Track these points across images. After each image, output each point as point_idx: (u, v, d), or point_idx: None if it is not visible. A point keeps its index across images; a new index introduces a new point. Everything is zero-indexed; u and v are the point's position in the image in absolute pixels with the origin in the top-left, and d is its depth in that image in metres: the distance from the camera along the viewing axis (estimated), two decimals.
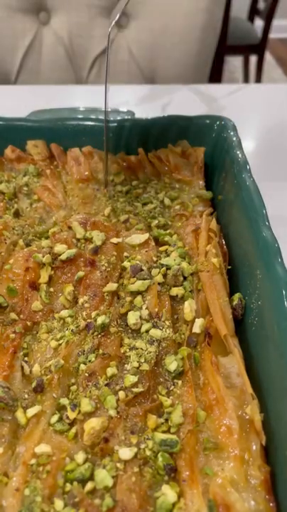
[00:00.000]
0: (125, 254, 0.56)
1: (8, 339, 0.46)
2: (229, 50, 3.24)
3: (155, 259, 0.55)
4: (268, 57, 4.32)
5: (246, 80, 3.93)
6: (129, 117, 0.80)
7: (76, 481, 0.35)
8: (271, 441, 0.38)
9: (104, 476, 0.35)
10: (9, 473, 0.36)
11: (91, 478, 0.36)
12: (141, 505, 0.34)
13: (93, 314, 0.48)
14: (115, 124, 0.73)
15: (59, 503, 0.34)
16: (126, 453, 0.37)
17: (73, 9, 1.63)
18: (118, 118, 0.75)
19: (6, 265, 0.53)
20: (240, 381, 0.42)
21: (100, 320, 0.46)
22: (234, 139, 0.63)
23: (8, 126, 0.74)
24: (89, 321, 0.47)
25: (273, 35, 3.75)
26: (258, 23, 3.56)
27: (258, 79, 3.95)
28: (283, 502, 0.35)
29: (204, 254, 0.53)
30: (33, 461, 0.37)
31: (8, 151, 0.72)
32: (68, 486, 0.35)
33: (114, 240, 0.56)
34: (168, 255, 0.55)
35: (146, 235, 0.57)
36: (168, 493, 0.34)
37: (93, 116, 0.74)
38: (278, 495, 0.35)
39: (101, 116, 0.78)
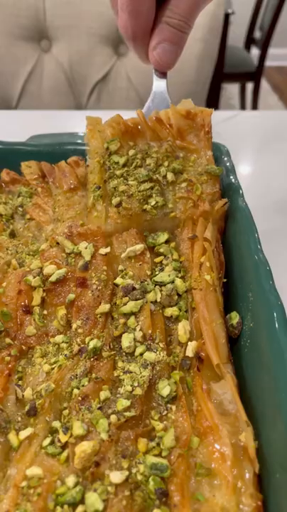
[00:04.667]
0: (119, 267, 0.56)
1: (3, 362, 0.46)
2: (226, 78, 3.32)
3: (149, 273, 0.55)
4: (264, 84, 4.42)
5: (242, 106, 4.01)
6: None
7: (66, 505, 0.35)
8: (263, 468, 0.38)
9: (94, 500, 0.35)
10: (0, 495, 0.36)
11: (82, 501, 0.35)
12: None
13: (87, 339, 0.48)
14: None
15: None
16: (117, 476, 0.36)
17: (74, 38, 1.67)
18: None
19: (0, 288, 0.54)
20: (234, 407, 0.42)
21: (92, 344, 0.47)
22: (228, 164, 0.65)
23: (8, 151, 0.75)
24: (82, 345, 0.47)
25: (268, 63, 3.84)
26: (255, 51, 3.65)
27: (255, 105, 4.03)
28: None
29: (198, 268, 0.53)
30: (24, 483, 0.36)
31: (3, 174, 0.73)
32: (59, 509, 0.35)
33: (103, 251, 0.56)
34: (163, 269, 0.55)
35: (141, 246, 0.56)
36: None
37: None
38: None
39: None
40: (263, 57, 3.27)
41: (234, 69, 3.33)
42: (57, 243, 0.58)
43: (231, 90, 4.33)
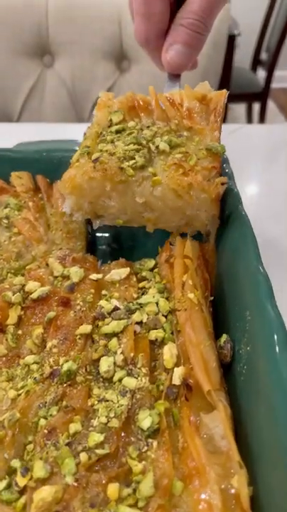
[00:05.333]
0: (103, 292, 0.51)
1: None
2: (232, 98, 3.31)
3: (135, 296, 0.50)
4: (271, 104, 4.42)
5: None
6: None
7: None
8: None
9: None
10: None
11: None
12: None
13: (61, 361, 0.42)
14: None
15: None
16: None
17: (76, 53, 1.65)
18: None
19: None
20: (225, 444, 0.35)
21: (66, 367, 0.41)
22: (227, 170, 0.60)
23: None
24: (55, 367, 0.41)
25: (275, 84, 3.84)
26: (261, 73, 3.66)
27: (261, 123, 4.01)
28: None
29: (180, 288, 0.47)
30: None
31: None
32: None
33: (93, 277, 0.51)
34: (146, 293, 0.50)
35: (127, 270, 0.53)
36: None
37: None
38: None
39: None
40: (269, 78, 3.27)
41: (240, 90, 3.33)
42: (47, 265, 0.54)
43: (237, 110, 4.33)
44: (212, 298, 0.50)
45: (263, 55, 3.62)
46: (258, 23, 3.51)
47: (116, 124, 0.57)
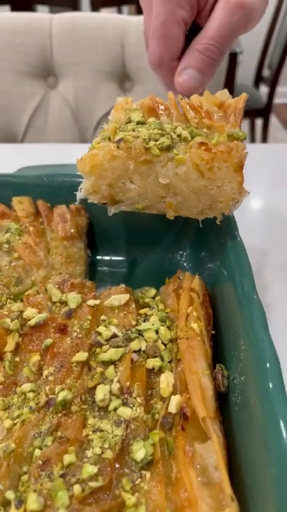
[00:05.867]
0: (102, 317, 0.51)
1: None
2: None
3: (134, 323, 0.50)
4: (274, 120, 4.45)
5: (252, 141, 4.02)
6: None
7: None
8: None
9: None
10: None
11: None
12: None
13: (57, 389, 0.43)
14: None
15: None
16: None
17: (80, 74, 1.68)
18: None
19: None
20: (218, 476, 0.36)
21: (61, 396, 0.41)
22: None
23: None
24: (50, 396, 0.42)
25: (277, 100, 3.87)
26: (263, 89, 3.69)
27: (265, 140, 4.03)
28: None
29: (184, 318, 0.48)
30: None
31: None
32: None
33: (91, 303, 0.52)
34: (147, 320, 0.50)
35: (127, 296, 0.53)
36: None
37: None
38: None
39: None
40: (272, 94, 3.30)
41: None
42: (46, 290, 0.55)
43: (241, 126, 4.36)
44: (213, 332, 0.50)
45: (266, 72, 3.66)
46: (260, 40, 3.56)
47: (135, 122, 0.55)
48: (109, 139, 0.51)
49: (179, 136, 0.51)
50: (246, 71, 3.77)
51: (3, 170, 0.75)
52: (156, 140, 0.49)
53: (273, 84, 3.33)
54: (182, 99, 0.57)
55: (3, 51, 1.65)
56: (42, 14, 1.69)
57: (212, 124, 0.53)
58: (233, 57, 2.39)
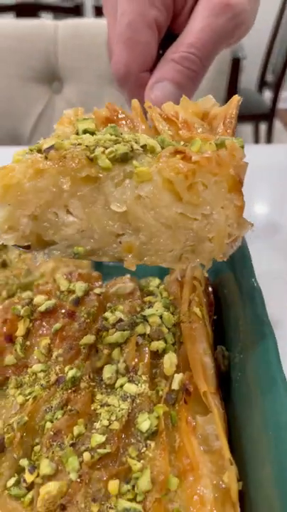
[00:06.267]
0: (108, 304, 0.54)
1: None
2: (239, 119, 3.36)
3: (138, 309, 0.53)
4: (278, 124, 4.46)
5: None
6: None
7: None
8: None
9: None
10: None
11: None
12: None
13: (66, 368, 0.45)
14: None
15: None
16: None
17: (84, 79, 1.72)
18: None
19: None
20: (219, 444, 0.38)
21: (71, 373, 0.43)
22: None
23: None
24: (60, 375, 0.44)
25: (281, 104, 3.89)
26: (267, 94, 3.72)
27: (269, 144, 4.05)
28: None
29: (187, 304, 0.51)
30: None
31: None
32: None
33: (97, 291, 0.55)
34: (151, 306, 0.53)
35: (132, 285, 0.55)
36: None
37: None
38: None
39: None
40: (275, 99, 3.33)
41: (246, 111, 3.38)
42: (54, 280, 0.57)
43: (244, 130, 4.39)
44: (215, 317, 0.53)
45: (269, 77, 3.69)
46: (263, 45, 3.59)
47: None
48: (39, 151, 0.36)
49: (143, 147, 0.36)
50: (249, 76, 3.80)
51: None
52: (107, 147, 0.35)
53: (276, 88, 3.35)
54: (151, 108, 0.42)
55: (8, 57, 1.69)
56: (47, 21, 1.73)
57: (192, 137, 0.38)
58: (236, 63, 2.42)
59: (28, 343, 0.50)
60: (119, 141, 0.35)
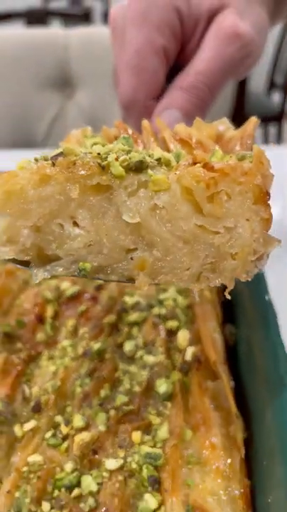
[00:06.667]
0: (127, 289, 0.60)
1: (13, 364, 0.49)
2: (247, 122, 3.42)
3: (154, 293, 0.58)
4: None
5: None
6: None
7: (64, 488, 0.37)
8: (252, 458, 0.40)
9: (89, 482, 0.37)
10: (3, 479, 0.39)
11: (78, 485, 0.38)
12: (122, 509, 0.35)
13: (91, 343, 0.51)
14: None
15: (46, 506, 0.36)
16: (112, 464, 0.39)
17: (96, 84, 1.78)
18: None
19: (17, 300, 0.58)
20: (227, 404, 0.44)
21: (96, 347, 0.50)
22: None
23: None
24: (87, 348, 0.51)
25: None
26: (276, 96, 3.76)
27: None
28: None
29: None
30: (25, 468, 0.39)
31: None
32: (56, 492, 0.37)
33: None
34: (166, 290, 0.58)
35: None
36: (149, 500, 0.36)
37: None
38: (257, 507, 0.36)
39: None
40: (284, 101, 3.36)
41: (255, 113, 3.40)
42: None
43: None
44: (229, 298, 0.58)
45: (278, 79, 3.72)
46: (271, 47, 3.62)
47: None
48: (46, 160, 0.33)
49: (158, 160, 0.33)
50: (257, 78, 3.84)
51: None
52: (120, 156, 0.32)
53: (285, 90, 3.39)
54: (165, 130, 0.41)
55: (22, 65, 1.76)
56: (59, 30, 1.80)
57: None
58: None
59: (56, 323, 0.56)
60: (130, 151, 0.33)
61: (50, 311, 0.57)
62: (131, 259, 0.32)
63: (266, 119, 3.80)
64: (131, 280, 0.33)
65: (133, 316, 0.54)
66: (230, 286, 0.32)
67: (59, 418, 0.44)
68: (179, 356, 0.50)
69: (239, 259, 0.31)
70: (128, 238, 0.32)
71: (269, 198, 0.31)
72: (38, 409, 0.45)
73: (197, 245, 0.31)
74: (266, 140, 4.18)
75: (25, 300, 0.59)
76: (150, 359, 0.49)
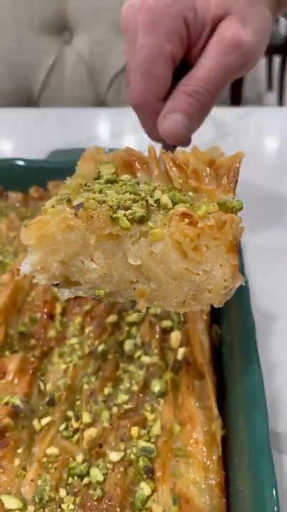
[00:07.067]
0: None
1: (29, 362, 0.57)
2: None
3: None
4: None
5: (269, 79, 3.95)
6: None
7: (76, 476, 0.47)
8: (229, 452, 0.49)
9: (97, 473, 0.46)
10: (26, 467, 0.48)
11: (88, 474, 0.47)
12: (123, 496, 0.45)
13: (96, 342, 0.59)
14: None
15: (63, 492, 0.46)
16: (115, 456, 0.48)
17: (95, 29, 1.73)
18: None
19: (29, 297, 0.66)
20: (209, 402, 0.52)
21: (100, 348, 0.58)
22: None
23: (31, 167, 0.86)
24: (92, 348, 0.59)
25: None
26: (283, 22, 3.58)
27: (282, 79, 3.96)
28: (232, 499, 0.45)
29: None
30: (45, 459, 0.48)
31: (33, 191, 0.84)
32: (70, 480, 0.47)
33: None
34: None
35: None
36: (144, 488, 0.45)
37: None
38: (230, 494, 0.46)
39: None
40: None
41: None
42: None
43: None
44: None
45: None
46: None
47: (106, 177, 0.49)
48: (69, 201, 0.43)
49: (157, 201, 0.43)
50: None
51: (24, 137, 0.88)
52: (127, 208, 0.41)
53: None
54: (165, 154, 0.49)
55: (17, 7, 1.69)
56: None
57: (199, 187, 0.47)
58: None
59: (64, 319, 0.64)
60: (137, 200, 0.42)
61: (58, 308, 0.65)
62: (134, 288, 0.43)
63: (271, 50, 3.65)
64: (134, 302, 0.44)
65: (133, 316, 0.62)
66: (206, 311, 0.44)
67: (70, 413, 0.53)
68: (171, 355, 0.58)
69: (214, 292, 0.41)
70: (132, 274, 0.42)
71: (238, 248, 0.42)
72: (52, 403, 0.54)
73: (183, 282, 0.42)
74: (270, 71, 4.04)
75: (35, 297, 0.66)
76: (146, 360, 0.57)
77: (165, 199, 0.43)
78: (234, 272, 0.40)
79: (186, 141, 0.58)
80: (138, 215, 0.41)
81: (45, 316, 0.63)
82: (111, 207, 0.41)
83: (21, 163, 0.86)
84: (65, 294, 0.44)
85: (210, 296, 0.41)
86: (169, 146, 0.58)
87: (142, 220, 0.41)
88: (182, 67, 0.56)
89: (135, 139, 1.20)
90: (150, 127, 0.58)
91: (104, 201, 0.42)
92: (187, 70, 0.56)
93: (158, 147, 0.53)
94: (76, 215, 0.41)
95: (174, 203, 0.44)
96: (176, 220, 0.41)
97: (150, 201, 0.43)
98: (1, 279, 0.67)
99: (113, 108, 1.55)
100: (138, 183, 0.47)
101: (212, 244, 0.40)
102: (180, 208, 0.42)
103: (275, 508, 0.39)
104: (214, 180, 0.48)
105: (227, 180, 0.47)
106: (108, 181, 0.48)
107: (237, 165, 0.48)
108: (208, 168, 0.49)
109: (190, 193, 0.47)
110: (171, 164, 0.49)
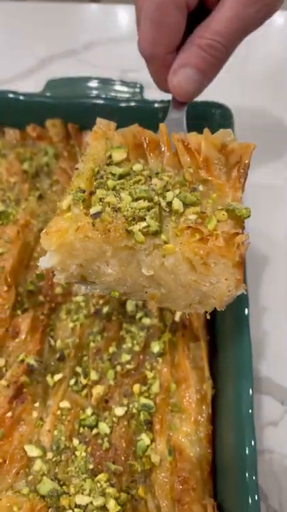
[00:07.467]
0: None
1: (39, 320, 0.63)
2: None
3: None
4: None
5: None
6: (138, 90, 0.86)
7: (86, 427, 0.55)
8: (216, 409, 0.57)
9: (104, 427, 0.54)
10: (43, 418, 0.56)
11: (97, 426, 0.55)
12: (127, 446, 0.53)
13: (100, 301, 0.64)
14: (124, 105, 0.80)
15: (76, 441, 0.54)
16: (119, 411, 0.56)
17: None
18: (127, 96, 0.84)
19: (35, 253, 0.68)
20: (202, 363, 0.59)
21: (105, 310, 0.63)
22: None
23: (28, 103, 0.82)
24: (97, 307, 0.64)
25: None
26: None
27: None
28: (218, 449, 0.54)
29: None
30: (59, 412, 0.56)
31: (30, 130, 0.81)
32: (81, 430, 0.55)
33: None
34: None
35: None
36: (144, 438, 0.54)
37: (104, 96, 0.81)
38: (215, 445, 0.55)
39: (113, 92, 0.86)
40: None
41: None
42: None
43: None
44: None
45: None
46: None
47: (118, 165, 0.50)
48: (83, 201, 0.46)
49: (169, 205, 0.46)
50: None
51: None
52: (141, 218, 0.44)
53: None
54: (177, 135, 0.50)
55: None
56: None
57: (209, 180, 0.48)
58: None
59: None
60: (150, 208, 0.45)
61: None
62: (146, 292, 0.48)
63: None
64: (145, 301, 0.50)
65: None
66: (209, 311, 0.48)
67: (79, 369, 0.60)
68: (170, 317, 0.64)
69: (217, 299, 0.46)
70: (144, 280, 0.47)
71: (243, 265, 0.45)
72: (62, 359, 0.60)
73: (190, 290, 0.46)
74: None
75: (41, 252, 0.69)
76: (147, 321, 0.63)
77: (176, 204, 0.46)
78: (237, 284, 0.44)
79: (194, 97, 0.55)
80: (152, 230, 0.44)
81: (51, 273, 0.67)
82: (126, 218, 0.44)
83: (19, 97, 0.82)
84: (83, 289, 0.49)
85: (214, 302, 0.46)
86: (179, 103, 0.56)
87: (155, 233, 0.44)
88: (199, 9, 0.52)
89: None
90: (161, 79, 0.55)
91: (119, 208, 0.45)
92: (203, 13, 0.51)
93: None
94: (93, 224, 0.44)
95: (185, 204, 0.47)
96: (187, 235, 0.44)
97: (163, 204, 0.46)
98: (5, 233, 0.68)
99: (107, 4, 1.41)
100: (150, 177, 0.49)
101: (219, 262, 0.44)
102: (191, 215, 0.46)
103: (253, 457, 0.48)
104: (225, 168, 0.50)
105: (237, 174, 0.49)
106: (121, 176, 0.49)
107: (247, 161, 0.49)
108: (218, 154, 0.50)
109: (200, 187, 0.49)
110: (182, 148, 0.50)
